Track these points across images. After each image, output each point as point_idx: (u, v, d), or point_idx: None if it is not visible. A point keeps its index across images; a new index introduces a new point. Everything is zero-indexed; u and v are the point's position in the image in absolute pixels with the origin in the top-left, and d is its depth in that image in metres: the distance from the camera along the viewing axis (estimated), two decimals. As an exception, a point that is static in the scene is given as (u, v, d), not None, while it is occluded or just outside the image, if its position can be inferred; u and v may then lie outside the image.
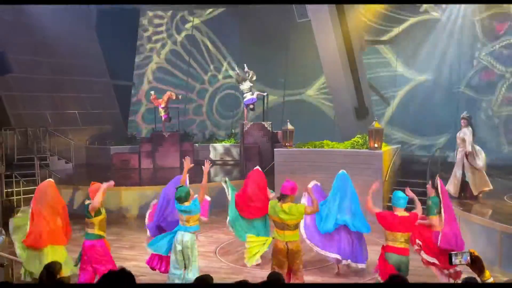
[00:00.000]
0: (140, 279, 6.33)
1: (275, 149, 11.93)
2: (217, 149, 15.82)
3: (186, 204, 5.88)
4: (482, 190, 8.73)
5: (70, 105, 16.20)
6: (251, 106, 13.58)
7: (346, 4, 12.58)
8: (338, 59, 12.05)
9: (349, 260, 6.85)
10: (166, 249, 6.13)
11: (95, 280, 5.78)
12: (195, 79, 19.13)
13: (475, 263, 5.16)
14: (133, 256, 8.10)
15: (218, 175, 13.67)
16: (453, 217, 5.95)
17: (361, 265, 6.90)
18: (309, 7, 11.81)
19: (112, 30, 17.56)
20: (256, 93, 13.57)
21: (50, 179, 6.81)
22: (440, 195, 5.94)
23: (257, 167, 8.18)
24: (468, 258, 4.98)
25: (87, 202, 6.05)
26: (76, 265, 6.10)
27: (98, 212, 5.95)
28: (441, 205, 5.86)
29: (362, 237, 7.01)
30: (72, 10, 16.62)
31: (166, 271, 6.19)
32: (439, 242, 5.70)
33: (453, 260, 5.05)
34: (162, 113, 14.56)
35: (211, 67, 19.29)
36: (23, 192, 10.70)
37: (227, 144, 15.80)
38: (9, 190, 10.68)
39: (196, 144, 15.73)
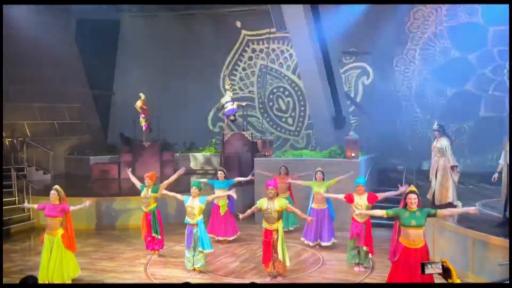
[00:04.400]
0: None
1: (255, 158, 11.97)
2: (197, 159, 15.77)
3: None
4: (450, 203, 8.53)
5: (49, 115, 15.90)
6: (232, 117, 13.58)
7: (324, 16, 12.75)
8: (315, 70, 12.16)
9: (318, 241, 8.72)
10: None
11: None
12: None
13: (447, 272, 5.33)
14: (113, 268, 7.95)
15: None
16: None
17: (326, 243, 8.70)
18: (287, 19, 11.92)
19: (91, 40, 17.39)
20: (236, 103, 13.60)
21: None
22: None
23: None
24: (440, 267, 5.12)
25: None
26: None
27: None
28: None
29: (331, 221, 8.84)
30: (51, 19, 16.40)
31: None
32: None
33: (425, 269, 5.17)
34: (143, 122, 14.45)
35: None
36: (-1, 203, 10.42)
37: (207, 153, 15.76)
38: (-15, 201, 10.38)
39: (177, 154, 15.65)
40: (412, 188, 5.93)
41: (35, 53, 15.50)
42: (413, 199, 5.75)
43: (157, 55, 18.47)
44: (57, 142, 15.75)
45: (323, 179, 8.85)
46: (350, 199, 7.45)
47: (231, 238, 9.42)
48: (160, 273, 7.62)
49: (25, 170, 13.26)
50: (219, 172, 9.56)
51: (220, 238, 9.30)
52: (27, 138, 14.26)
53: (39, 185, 12.07)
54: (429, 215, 5.81)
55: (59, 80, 16.26)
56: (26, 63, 15.43)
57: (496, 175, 8.36)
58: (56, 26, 16.66)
